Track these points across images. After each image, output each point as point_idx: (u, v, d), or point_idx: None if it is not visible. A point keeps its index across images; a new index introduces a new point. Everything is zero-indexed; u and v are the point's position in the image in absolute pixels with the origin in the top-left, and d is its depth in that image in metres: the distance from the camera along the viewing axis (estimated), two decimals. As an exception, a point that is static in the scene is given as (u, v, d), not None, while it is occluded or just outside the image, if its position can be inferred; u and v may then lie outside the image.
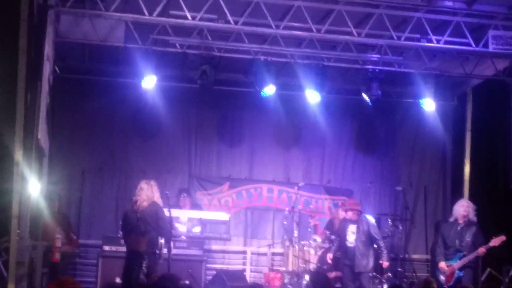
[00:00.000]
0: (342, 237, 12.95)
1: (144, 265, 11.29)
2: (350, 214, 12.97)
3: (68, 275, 12.82)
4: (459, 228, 12.03)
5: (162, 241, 11.59)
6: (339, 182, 17.01)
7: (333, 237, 13.69)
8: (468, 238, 11.84)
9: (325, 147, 17.08)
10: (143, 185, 11.79)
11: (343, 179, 17.09)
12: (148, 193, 11.63)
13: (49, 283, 11.04)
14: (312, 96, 14.41)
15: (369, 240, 12.82)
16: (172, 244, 11.83)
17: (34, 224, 10.98)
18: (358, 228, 12.78)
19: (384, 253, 12.89)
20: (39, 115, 10.63)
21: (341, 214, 13.87)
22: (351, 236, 12.77)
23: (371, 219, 13.25)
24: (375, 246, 13.10)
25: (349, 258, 12.75)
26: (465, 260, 11.69)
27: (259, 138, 16.78)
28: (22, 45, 9.57)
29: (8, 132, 9.64)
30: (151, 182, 11.89)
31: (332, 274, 13.20)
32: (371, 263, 12.91)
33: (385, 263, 12.98)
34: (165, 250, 11.76)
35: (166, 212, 11.96)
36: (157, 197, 11.72)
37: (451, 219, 12.36)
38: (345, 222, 13.11)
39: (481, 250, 11.61)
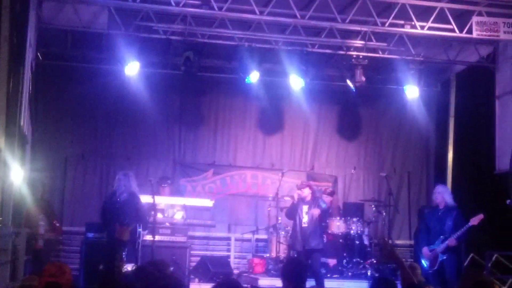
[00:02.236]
0: (298, 218, 12.61)
1: (124, 254, 11.35)
2: (306, 193, 12.66)
3: (51, 262, 12.78)
4: (440, 213, 12.07)
5: (140, 230, 11.70)
6: (323, 168, 17.05)
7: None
8: (449, 222, 11.87)
9: (309, 134, 17.10)
10: (121, 176, 11.95)
11: (327, 165, 17.13)
12: (126, 183, 11.73)
13: (32, 269, 11.03)
14: (296, 82, 14.40)
15: (319, 220, 12.64)
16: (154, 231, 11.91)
17: (17, 211, 10.93)
18: (309, 208, 12.54)
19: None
20: (22, 102, 10.56)
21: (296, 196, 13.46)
22: (305, 217, 12.56)
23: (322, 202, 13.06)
24: (323, 224, 13.13)
25: (305, 237, 12.47)
26: (447, 243, 11.71)
27: (243, 124, 16.78)
28: (4, 31, 9.49)
29: (-10, 119, 9.58)
30: (129, 173, 12.04)
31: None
32: (321, 242, 12.78)
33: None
34: (148, 237, 11.84)
35: (150, 198, 11.96)
36: (134, 187, 11.77)
37: (433, 204, 12.41)
38: (299, 203, 12.73)
39: (472, 222, 11.63)
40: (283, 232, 14.47)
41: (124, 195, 11.63)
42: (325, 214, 12.94)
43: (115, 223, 11.52)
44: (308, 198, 12.65)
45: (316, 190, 13.54)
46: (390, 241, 9.24)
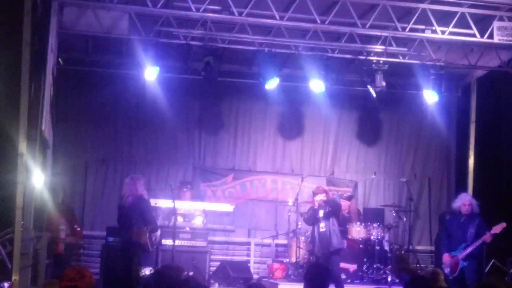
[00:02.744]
0: (316, 224, 12.48)
1: (136, 259, 11.52)
2: (320, 198, 12.51)
3: (72, 266, 12.84)
4: (462, 219, 12.03)
5: (157, 233, 11.83)
6: (343, 173, 17.02)
7: None
8: (471, 229, 11.84)
9: (329, 139, 17.08)
10: (128, 180, 12.04)
11: (347, 171, 17.09)
12: (131, 187, 11.81)
13: (53, 273, 11.08)
14: (317, 86, 14.35)
15: (334, 218, 12.52)
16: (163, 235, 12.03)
17: (38, 215, 11.00)
18: (324, 213, 12.41)
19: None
20: (43, 107, 10.63)
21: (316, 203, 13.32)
22: (322, 222, 12.44)
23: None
24: (340, 228, 12.96)
25: (323, 243, 12.31)
26: (469, 249, 11.68)
27: (263, 129, 16.78)
28: (26, 37, 9.58)
29: (12, 124, 9.66)
30: (136, 176, 12.13)
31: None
32: (341, 240, 12.70)
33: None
34: (169, 242, 11.96)
35: (170, 203, 12.01)
36: (141, 191, 11.84)
37: (455, 211, 12.35)
38: (315, 209, 12.62)
39: (487, 236, 11.60)
40: (303, 237, 14.44)
41: (129, 199, 11.72)
42: (337, 209, 12.84)
43: (125, 228, 11.68)
44: (322, 202, 12.61)
45: (334, 196, 13.47)
46: (403, 252, 9.19)
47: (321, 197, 12.51)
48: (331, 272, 12.12)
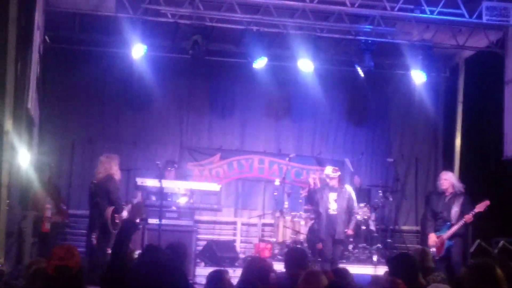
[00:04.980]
0: (323, 205, 12.56)
1: (93, 236, 11.54)
2: (333, 182, 12.65)
3: (60, 244, 12.81)
4: (446, 199, 12.04)
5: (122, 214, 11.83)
6: (330, 153, 16.99)
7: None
8: (456, 208, 11.84)
9: (316, 118, 17.05)
10: (103, 158, 11.98)
11: (334, 150, 17.07)
12: (106, 166, 11.77)
13: (39, 252, 11.05)
14: (305, 66, 14.31)
15: (348, 208, 12.66)
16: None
17: (24, 194, 10.97)
18: (339, 196, 12.53)
19: (352, 222, 12.71)
20: (29, 85, 10.56)
21: (312, 182, 13.22)
22: (333, 204, 12.52)
23: (350, 188, 12.99)
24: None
25: (331, 225, 12.44)
26: (454, 229, 11.72)
27: (250, 109, 16.74)
28: (12, 14, 9.49)
29: (-3, 102, 9.58)
30: (111, 156, 12.07)
31: (320, 245, 12.92)
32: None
33: (350, 232, 12.79)
34: (155, 221, 11.99)
35: (156, 182, 11.99)
36: (114, 170, 11.81)
37: (439, 190, 12.36)
38: (324, 189, 12.70)
39: (468, 216, 11.62)
40: (289, 217, 14.46)
41: (100, 176, 11.72)
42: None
43: (91, 206, 11.79)
44: (335, 185, 12.60)
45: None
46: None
47: (334, 182, 12.56)
48: (333, 255, 12.26)
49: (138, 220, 10.41)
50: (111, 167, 11.73)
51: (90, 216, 11.90)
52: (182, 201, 13.55)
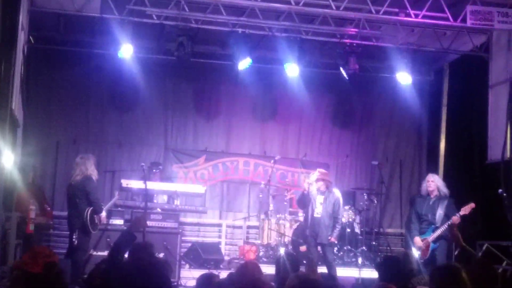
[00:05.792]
0: (310, 207, 12.41)
1: (74, 237, 11.57)
2: (319, 185, 12.52)
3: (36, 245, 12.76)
4: (431, 202, 12.07)
5: (102, 215, 11.91)
6: (315, 156, 17.03)
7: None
8: (440, 210, 11.87)
9: (301, 121, 17.08)
10: (78, 159, 12.02)
11: (319, 153, 17.11)
12: (82, 167, 11.79)
13: (23, 254, 10.99)
14: (290, 70, 14.33)
15: (333, 213, 12.41)
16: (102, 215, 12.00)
17: (8, 195, 10.87)
18: (325, 199, 12.37)
19: (336, 230, 12.35)
20: (13, 85, 10.49)
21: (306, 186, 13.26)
22: (319, 207, 12.39)
23: (338, 193, 12.92)
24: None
25: (314, 228, 12.30)
26: (438, 232, 11.74)
27: (236, 111, 16.75)
28: (-5, 14, 9.42)
29: (-19, 102, 9.52)
30: (86, 156, 12.09)
31: (304, 248, 12.88)
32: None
33: (333, 239, 12.61)
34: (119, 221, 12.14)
35: (141, 184, 11.98)
36: (91, 171, 11.83)
37: (423, 193, 12.39)
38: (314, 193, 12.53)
39: (455, 218, 11.63)
40: (274, 219, 14.47)
41: (77, 178, 11.73)
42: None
43: (70, 207, 11.84)
44: (323, 188, 12.49)
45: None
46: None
47: (320, 184, 12.45)
48: (324, 258, 12.23)
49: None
50: (86, 168, 11.76)
51: (69, 217, 11.90)
52: (161, 199, 13.58)
